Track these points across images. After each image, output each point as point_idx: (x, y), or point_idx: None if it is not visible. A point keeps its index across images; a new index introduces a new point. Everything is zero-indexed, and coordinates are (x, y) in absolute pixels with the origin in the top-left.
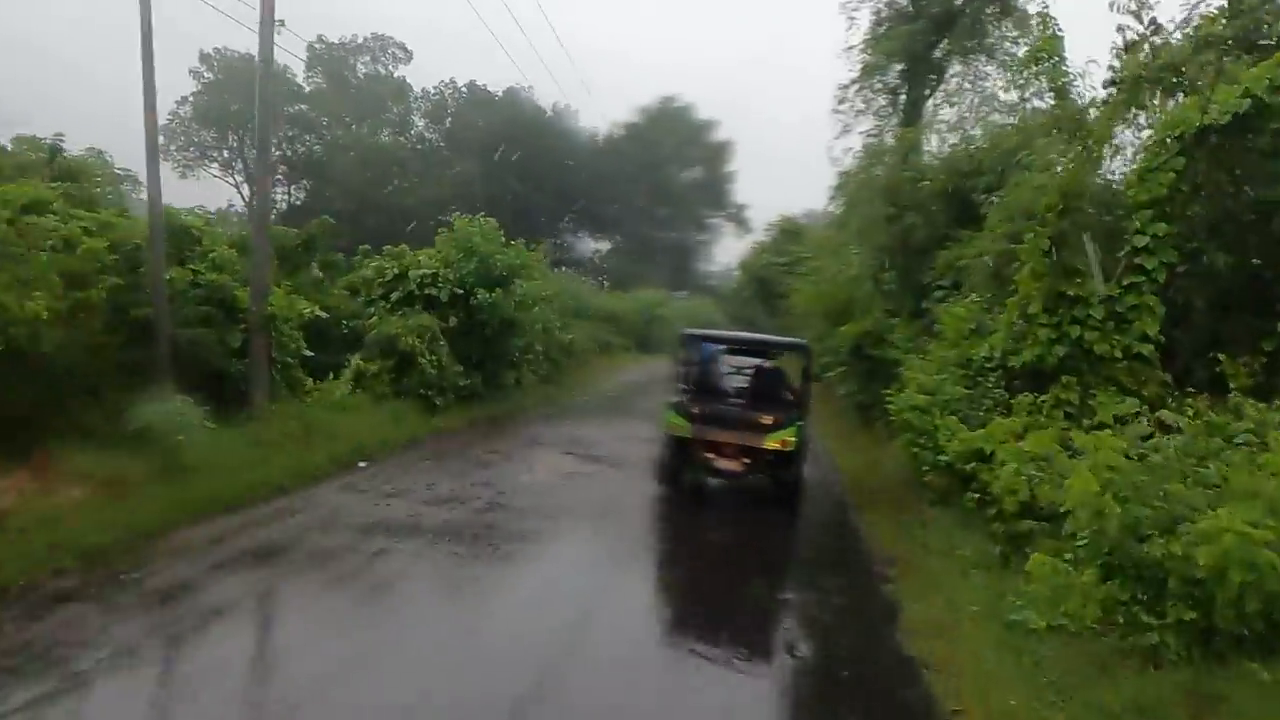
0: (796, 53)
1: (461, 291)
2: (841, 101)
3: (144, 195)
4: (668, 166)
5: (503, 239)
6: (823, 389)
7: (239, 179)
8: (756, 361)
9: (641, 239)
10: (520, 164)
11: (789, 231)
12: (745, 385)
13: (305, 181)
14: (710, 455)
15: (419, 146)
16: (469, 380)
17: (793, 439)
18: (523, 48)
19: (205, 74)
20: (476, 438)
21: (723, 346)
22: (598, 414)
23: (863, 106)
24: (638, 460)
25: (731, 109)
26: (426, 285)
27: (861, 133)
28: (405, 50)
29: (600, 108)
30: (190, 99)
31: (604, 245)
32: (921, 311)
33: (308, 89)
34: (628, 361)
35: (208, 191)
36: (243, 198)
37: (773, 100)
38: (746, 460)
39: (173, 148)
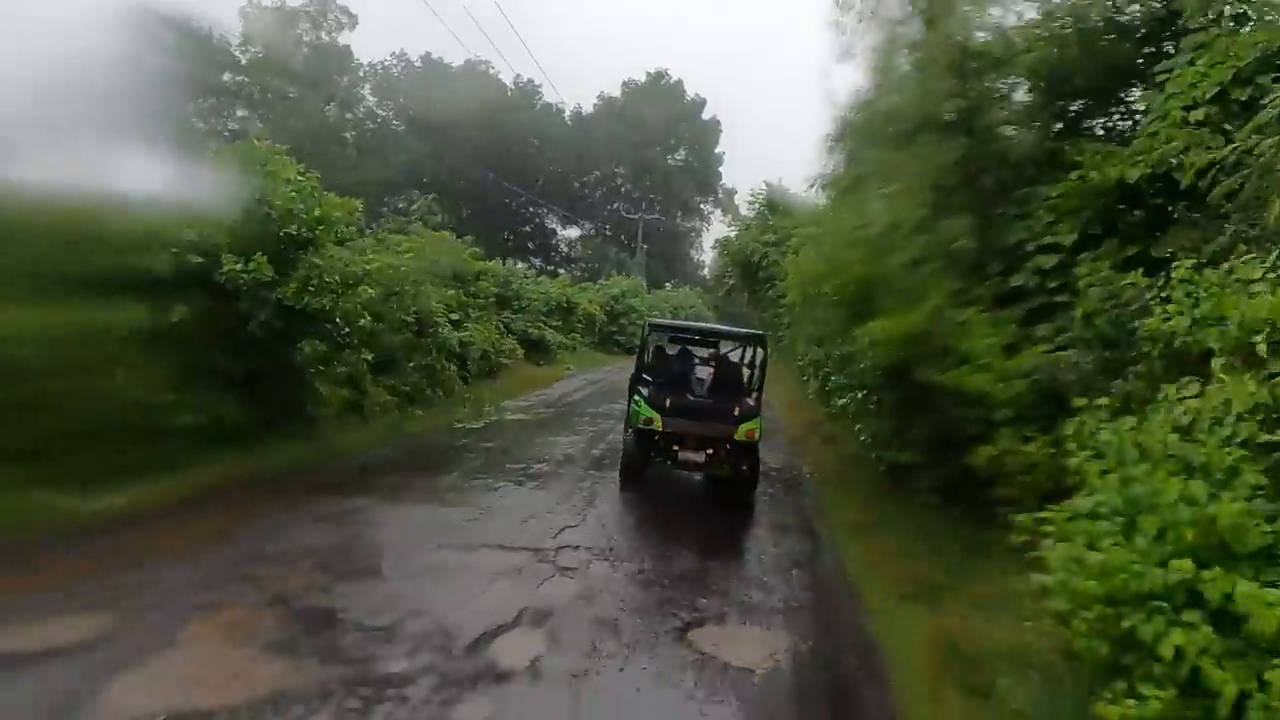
0: (785, 39)
1: (202, 260)
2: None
3: None
4: (653, 146)
5: (307, 180)
6: (812, 420)
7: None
8: (718, 352)
9: (619, 224)
10: (481, 144)
11: (777, 204)
12: (709, 376)
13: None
14: (677, 447)
15: (369, 125)
16: (207, 414)
17: (756, 429)
18: (486, 17)
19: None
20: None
21: (686, 337)
22: (457, 467)
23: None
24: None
25: (718, 90)
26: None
27: (870, 51)
28: (349, 15)
29: (575, 89)
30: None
31: (574, 232)
32: (1019, 294)
33: (243, 60)
34: (581, 363)
35: None
36: None
37: (761, 83)
38: (710, 451)
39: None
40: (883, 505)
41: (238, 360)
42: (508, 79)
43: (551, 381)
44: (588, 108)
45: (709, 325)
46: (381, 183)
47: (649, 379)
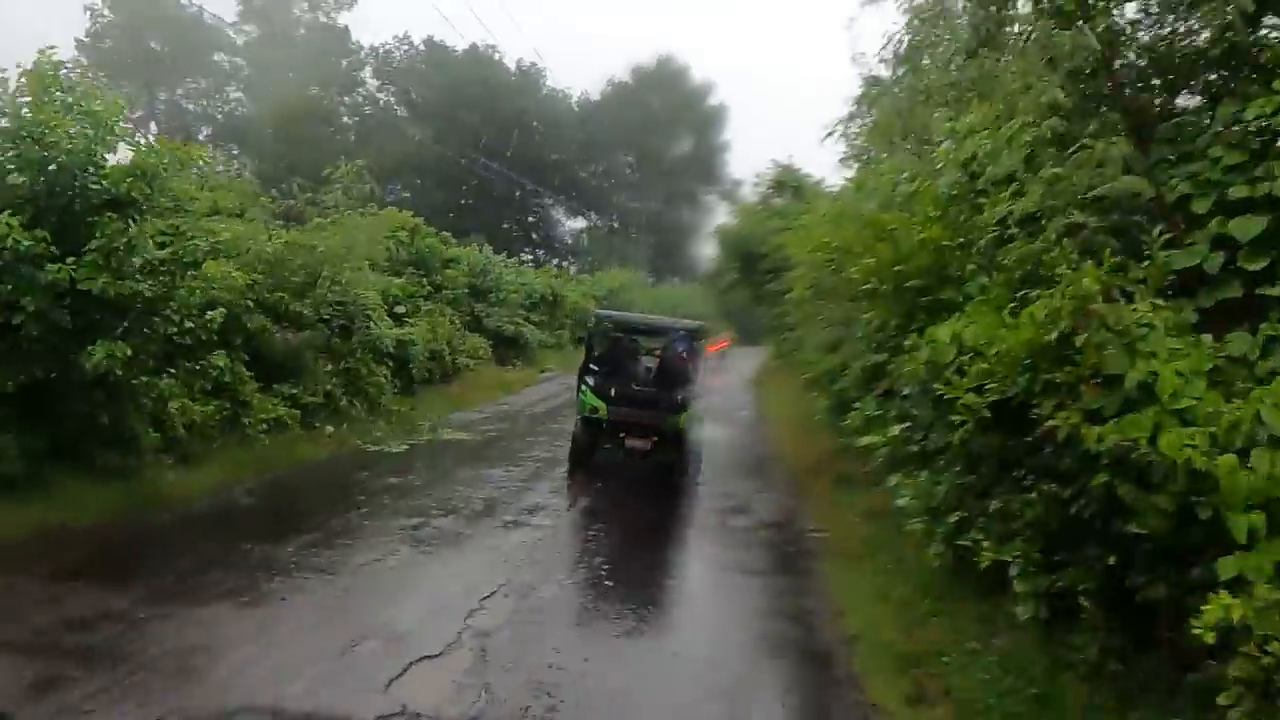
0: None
1: None
2: None
3: None
4: (658, 133)
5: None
6: (823, 452)
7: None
8: (659, 343)
9: (624, 216)
10: (484, 130)
11: (786, 185)
12: (651, 367)
13: (230, 145)
14: (623, 435)
15: (368, 109)
16: None
17: (690, 418)
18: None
19: (105, 11)
20: None
21: (629, 329)
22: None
23: None
24: None
25: (726, 76)
26: None
27: None
28: None
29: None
30: (88, 41)
31: (579, 224)
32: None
33: (240, 41)
34: (568, 363)
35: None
36: None
37: (768, 72)
38: (655, 438)
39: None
40: (944, 620)
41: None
42: (512, 64)
43: (521, 386)
44: (595, 94)
45: (651, 318)
46: (374, 169)
47: (595, 369)
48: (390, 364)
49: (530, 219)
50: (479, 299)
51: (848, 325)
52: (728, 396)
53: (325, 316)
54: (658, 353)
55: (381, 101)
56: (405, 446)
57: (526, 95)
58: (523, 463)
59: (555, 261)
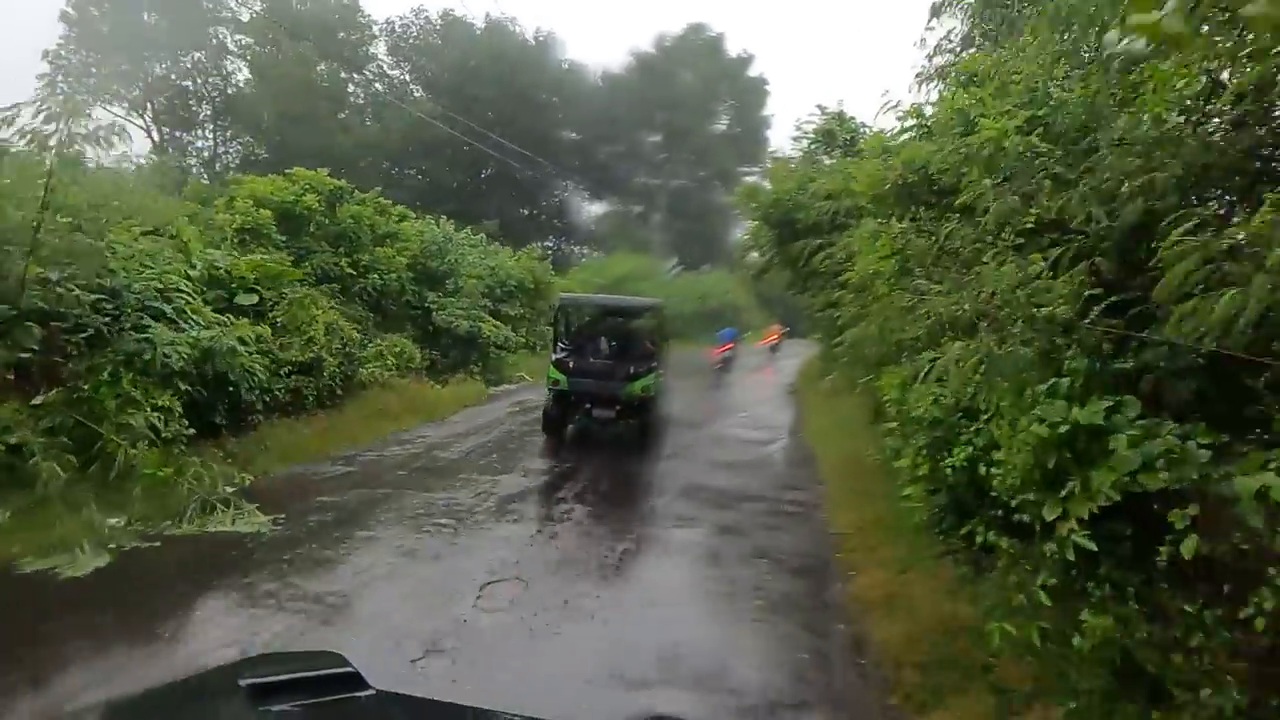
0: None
1: None
2: None
3: None
4: (689, 109)
5: None
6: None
7: (150, 121)
8: (618, 322)
9: (650, 198)
10: (500, 107)
11: (837, 135)
12: (612, 344)
13: (223, 122)
14: (588, 404)
15: (376, 86)
16: None
17: (650, 386)
18: None
19: None
20: None
21: (591, 310)
22: None
23: None
24: None
25: (766, 44)
26: None
27: None
28: None
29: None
30: (73, 12)
31: (601, 209)
32: None
33: (245, 16)
34: (536, 371)
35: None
36: (154, 142)
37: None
38: (618, 406)
39: (61, 80)
40: None
41: None
42: (530, 36)
43: (451, 410)
44: (616, 67)
45: (609, 299)
46: (379, 148)
47: (562, 347)
48: (186, 386)
49: (547, 204)
50: (432, 285)
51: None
52: (756, 413)
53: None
54: (618, 331)
55: (396, 79)
56: (101, 563)
57: (544, 69)
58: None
59: (578, 250)
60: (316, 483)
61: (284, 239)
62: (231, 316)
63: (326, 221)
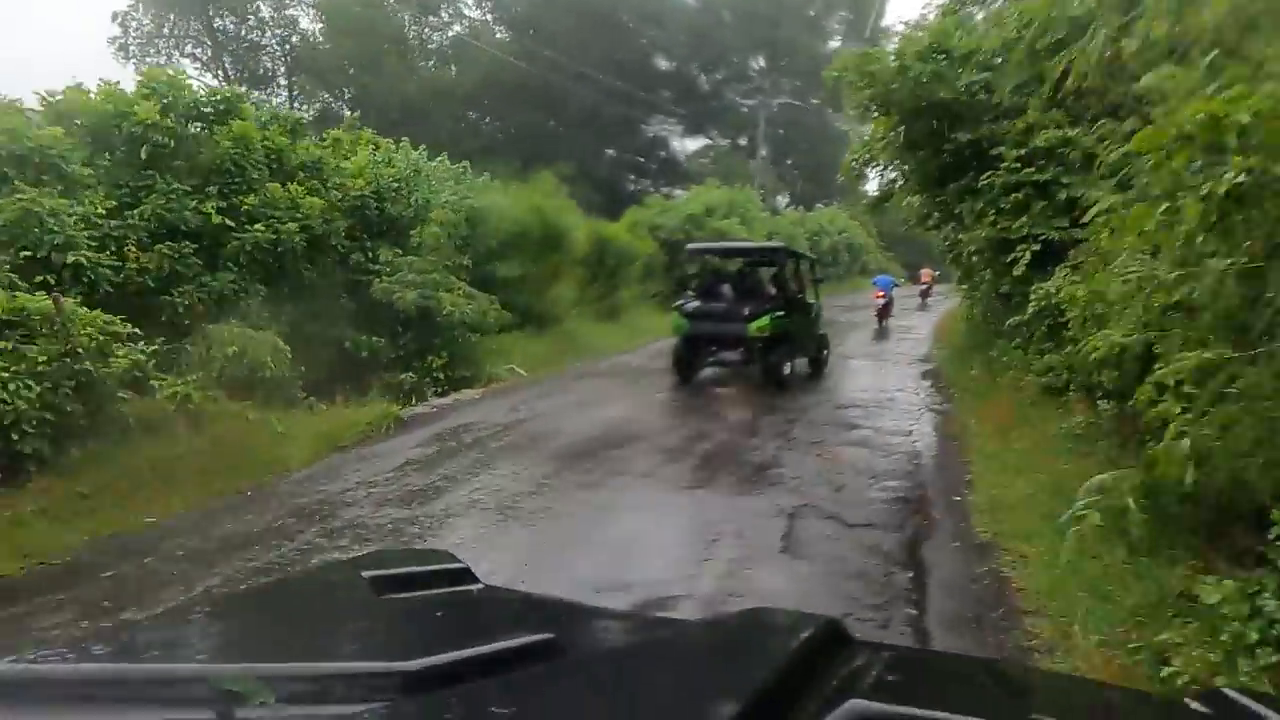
0: None
1: None
2: None
3: None
4: (799, 21)
5: None
6: None
7: (224, 82)
8: (742, 264)
9: (753, 126)
10: (585, 38)
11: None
12: (733, 287)
13: (297, 78)
14: (713, 347)
15: (456, 29)
16: None
17: (768, 326)
18: None
19: None
20: None
21: (717, 255)
22: None
23: None
24: None
25: None
26: None
27: None
28: None
29: None
30: None
31: (697, 144)
32: None
33: None
34: (600, 344)
35: None
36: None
37: None
38: (742, 349)
39: (131, 43)
40: None
41: None
42: None
43: (257, 475)
44: None
45: (730, 244)
46: (450, 95)
47: (689, 291)
48: None
49: (638, 143)
50: (379, 235)
51: None
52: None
53: None
54: (741, 274)
55: (474, 21)
56: None
57: None
58: None
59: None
60: None
61: (96, 171)
62: None
63: (198, 151)
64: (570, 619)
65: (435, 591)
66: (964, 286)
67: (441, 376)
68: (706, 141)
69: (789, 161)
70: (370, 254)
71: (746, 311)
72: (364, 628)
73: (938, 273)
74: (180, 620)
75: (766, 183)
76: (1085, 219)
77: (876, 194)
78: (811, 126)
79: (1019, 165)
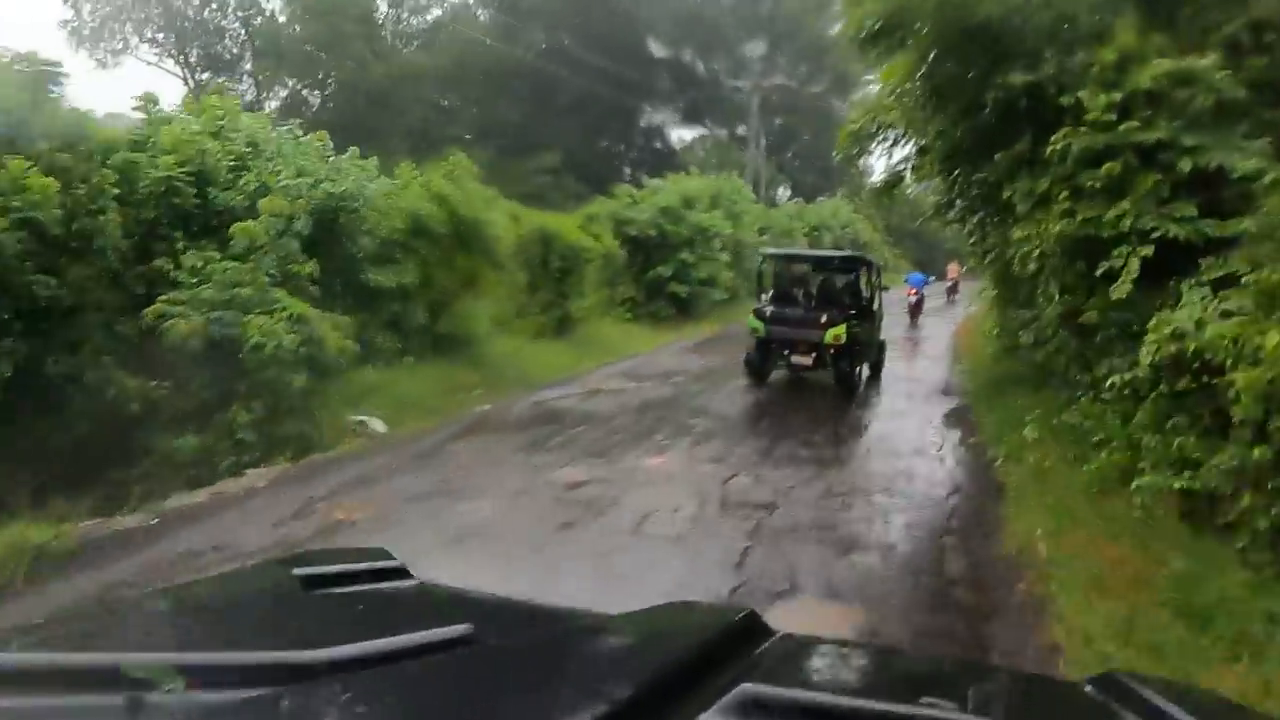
0: None
1: None
2: None
3: None
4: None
5: None
6: None
7: (185, 69)
8: (820, 272)
9: (749, 113)
10: (573, 19)
11: None
12: (811, 292)
13: (264, 63)
14: (787, 351)
15: (436, 11)
16: None
17: (843, 333)
18: None
19: None
20: None
21: (795, 262)
22: None
23: None
24: None
25: None
26: None
27: None
28: None
29: None
30: None
31: (693, 134)
32: None
33: None
34: (541, 368)
35: (133, 86)
36: (190, 88)
37: None
38: (815, 354)
39: (84, 27)
40: None
41: None
42: None
43: None
44: None
45: (808, 251)
46: (419, 79)
47: (765, 296)
48: None
49: (629, 132)
50: (205, 233)
51: None
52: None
53: None
54: (820, 281)
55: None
56: None
57: None
58: None
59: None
60: None
61: None
62: None
63: None
64: (497, 613)
65: (363, 588)
66: (996, 293)
67: (252, 438)
68: (703, 132)
69: (790, 153)
70: (177, 260)
71: (824, 318)
72: (284, 621)
73: (965, 268)
74: (104, 614)
75: (762, 171)
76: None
77: (884, 178)
78: (814, 115)
79: (1111, 120)
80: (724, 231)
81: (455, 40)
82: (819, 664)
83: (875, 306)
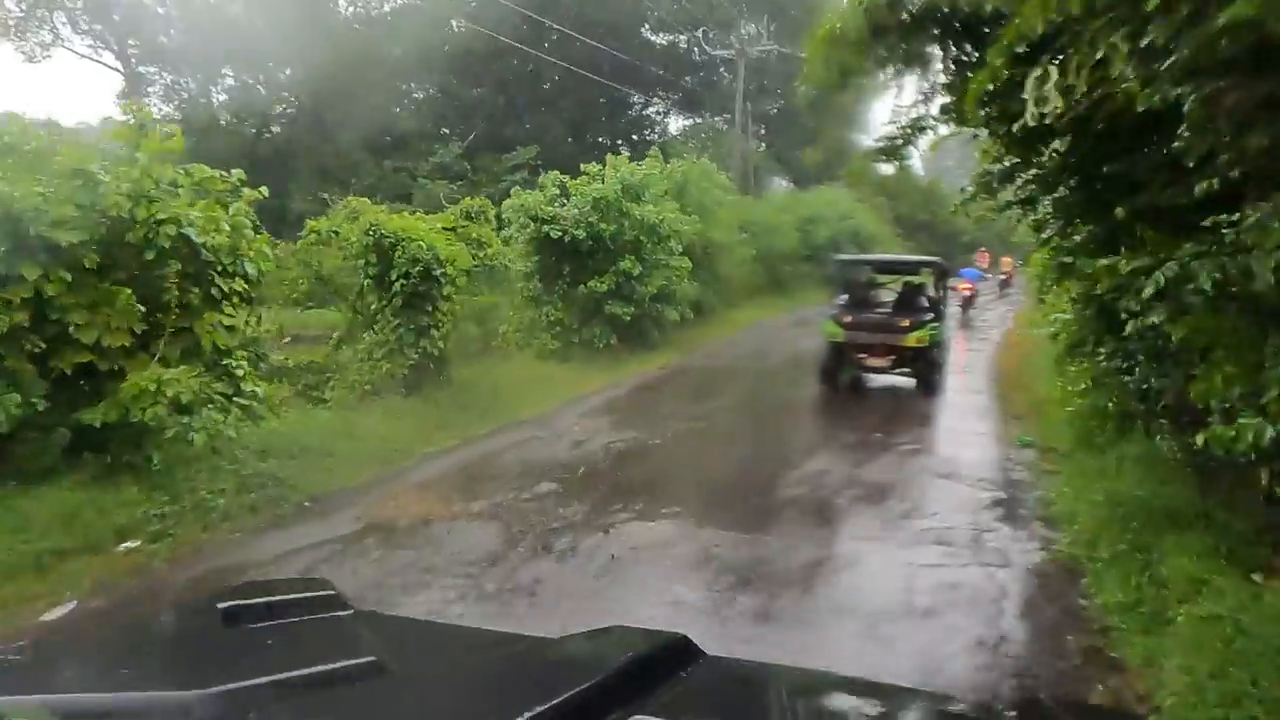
0: None
1: None
2: None
3: None
4: None
5: None
6: None
7: (121, 63)
8: (903, 278)
9: (752, 103)
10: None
11: None
12: (890, 298)
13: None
14: (862, 355)
15: None
16: None
17: (926, 337)
18: None
19: None
20: None
21: (868, 267)
22: None
23: None
24: None
25: None
26: None
27: None
28: None
29: None
30: None
31: (685, 122)
32: None
33: None
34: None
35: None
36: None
37: None
38: (892, 357)
39: (10, 18)
40: None
41: None
42: None
43: None
44: None
45: (882, 257)
46: (378, 65)
47: (840, 302)
48: None
49: (623, 124)
50: None
51: None
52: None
53: None
54: (898, 285)
55: None
56: None
57: None
58: None
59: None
60: None
61: None
62: None
63: None
64: (423, 640)
65: (283, 621)
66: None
67: None
68: (698, 120)
69: (788, 135)
70: None
71: (906, 323)
72: (191, 658)
73: (1020, 262)
74: (16, 654)
75: (748, 155)
76: None
77: (897, 128)
78: (790, 79)
79: None
80: (685, 230)
81: (417, 22)
82: (740, 689)
83: (943, 307)
